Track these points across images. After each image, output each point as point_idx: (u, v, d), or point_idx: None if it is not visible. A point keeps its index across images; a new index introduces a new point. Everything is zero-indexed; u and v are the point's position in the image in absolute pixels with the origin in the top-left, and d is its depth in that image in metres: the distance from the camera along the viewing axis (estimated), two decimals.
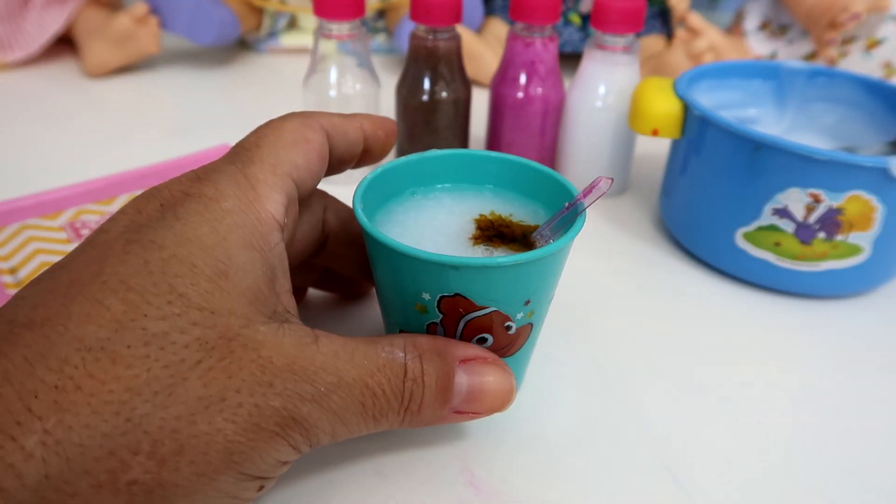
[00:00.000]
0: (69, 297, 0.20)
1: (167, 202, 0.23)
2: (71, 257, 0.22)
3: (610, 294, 0.38)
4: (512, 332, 0.26)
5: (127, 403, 0.19)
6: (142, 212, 0.23)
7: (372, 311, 0.36)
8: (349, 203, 0.28)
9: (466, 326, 0.25)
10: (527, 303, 0.25)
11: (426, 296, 0.25)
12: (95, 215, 0.42)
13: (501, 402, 0.25)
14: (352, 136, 0.28)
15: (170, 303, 0.20)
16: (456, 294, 0.24)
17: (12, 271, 0.37)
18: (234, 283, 0.21)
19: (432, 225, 0.28)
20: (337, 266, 0.33)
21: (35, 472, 0.18)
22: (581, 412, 0.30)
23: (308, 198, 0.29)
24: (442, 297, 0.24)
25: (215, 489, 0.20)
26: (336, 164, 0.28)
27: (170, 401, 0.19)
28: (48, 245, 0.39)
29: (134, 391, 0.19)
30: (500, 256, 0.23)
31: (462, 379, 0.24)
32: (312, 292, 0.36)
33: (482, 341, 0.26)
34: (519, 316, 0.26)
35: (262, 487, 0.22)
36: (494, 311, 0.25)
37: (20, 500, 0.17)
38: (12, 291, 0.35)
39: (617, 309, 0.37)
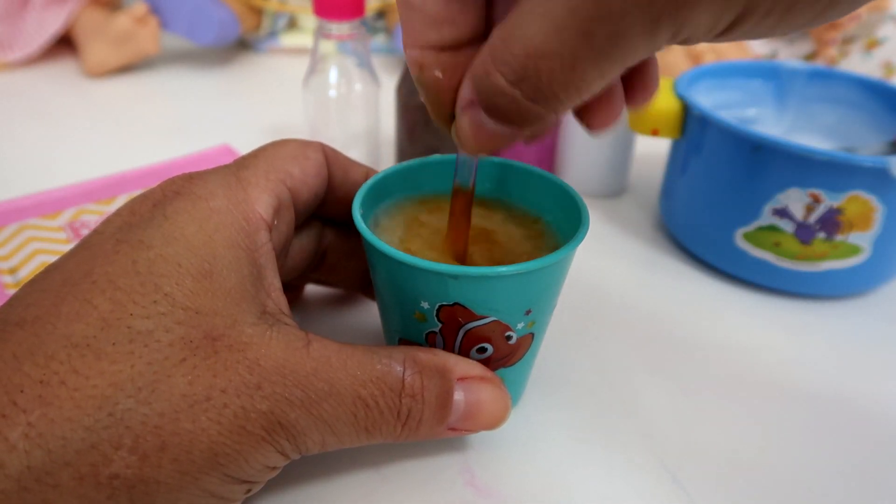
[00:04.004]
0: (60, 296, 0.20)
1: (159, 201, 0.23)
2: (65, 258, 0.22)
3: (610, 294, 0.38)
4: (512, 342, 0.26)
5: (110, 398, 0.19)
6: (135, 213, 0.23)
7: (372, 315, 0.36)
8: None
9: (466, 336, 0.25)
10: (527, 312, 0.25)
11: (425, 305, 0.24)
12: (95, 215, 0.42)
13: (496, 420, 0.25)
14: (353, 176, 0.29)
15: (155, 302, 0.20)
16: (455, 303, 0.24)
17: (12, 271, 0.37)
18: (219, 282, 0.22)
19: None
20: (335, 281, 0.33)
21: (17, 463, 0.18)
22: (581, 412, 0.30)
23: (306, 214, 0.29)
24: (441, 307, 0.24)
25: (199, 489, 0.20)
26: (332, 199, 0.29)
27: (153, 397, 0.19)
28: (48, 245, 0.39)
29: (117, 386, 0.19)
30: (500, 266, 0.23)
31: (459, 396, 0.24)
32: (313, 294, 0.36)
33: (482, 351, 0.26)
34: (520, 326, 0.25)
35: (249, 490, 0.22)
36: (494, 320, 0.25)
37: (2, 490, 0.18)
38: (12, 291, 0.35)
39: (617, 309, 0.37)
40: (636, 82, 0.21)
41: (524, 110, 0.19)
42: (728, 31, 0.17)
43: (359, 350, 0.23)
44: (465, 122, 0.20)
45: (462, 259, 0.27)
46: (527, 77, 0.18)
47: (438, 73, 0.21)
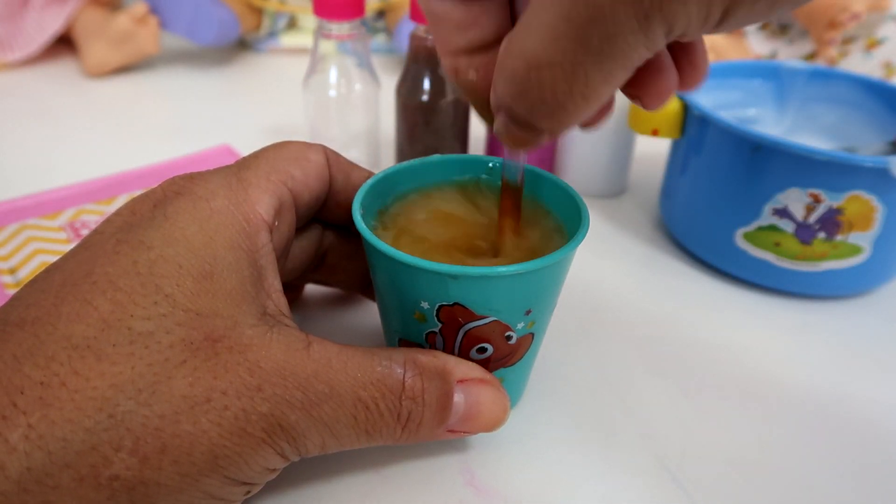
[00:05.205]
0: (60, 297, 0.20)
1: (160, 201, 0.23)
2: (65, 258, 0.22)
3: (610, 294, 0.38)
4: (512, 342, 0.26)
5: (110, 400, 0.19)
6: (136, 213, 0.23)
7: (372, 315, 0.36)
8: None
9: (466, 336, 0.25)
10: (527, 312, 0.25)
11: (425, 305, 0.24)
12: (95, 215, 0.42)
13: (495, 422, 0.25)
14: (354, 180, 0.29)
15: (156, 303, 0.20)
16: (455, 303, 0.24)
17: (12, 271, 0.37)
18: (220, 284, 0.22)
19: None
20: (335, 281, 0.33)
21: (18, 465, 0.18)
22: (581, 411, 0.30)
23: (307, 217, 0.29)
24: (441, 307, 0.24)
25: (199, 491, 0.20)
26: (333, 202, 0.29)
27: (153, 399, 0.19)
28: (48, 245, 0.39)
29: (118, 388, 0.19)
30: (499, 266, 0.23)
31: (459, 398, 0.24)
32: (313, 294, 0.36)
33: (482, 351, 0.26)
34: (520, 326, 0.25)
35: (248, 492, 0.22)
36: (494, 320, 0.25)
37: (2, 491, 0.18)
38: (12, 291, 0.35)
39: (617, 309, 0.37)
40: (685, 62, 0.21)
41: (532, 124, 0.19)
42: (723, 21, 0.17)
43: (359, 352, 0.23)
44: (498, 123, 0.21)
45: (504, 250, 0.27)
46: (529, 89, 0.18)
47: (473, 75, 0.21)
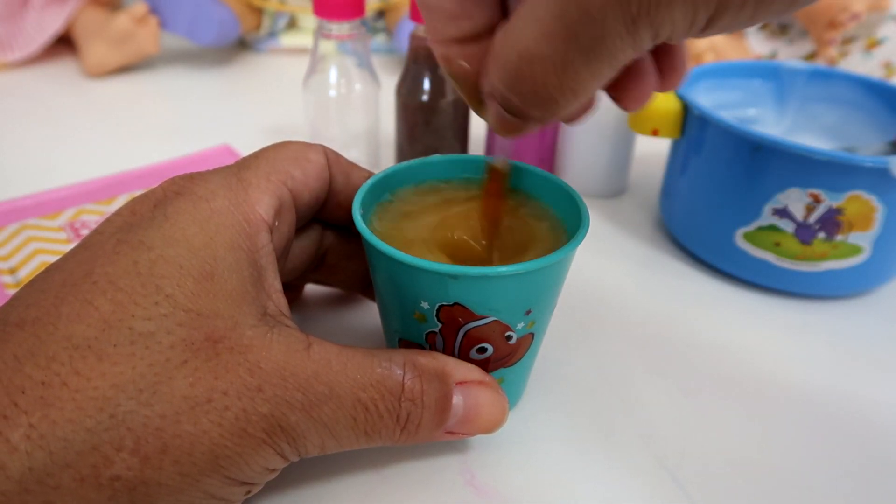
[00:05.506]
0: (60, 297, 0.20)
1: (160, 201, 0.23)
2: (65, 258, 0.22)
3: (610, 294, 0.38)
4: (512, 342, 0.26)
5: (111, 400, 0.19)
6: (136, 213, 0.23)
7: (372, 315, 0.36)
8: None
9: (466, 336, 0.25)
10: (527, 312, 0.25)
11: (425, 305, 0.24)
12: (95, 215, 0.42)
13: (493, 424, 0.25)
14: (354, 180, 0.29)
15: (157, 304, 0.20)
16: (455, 303, 0.24)
17: (12, 271, 0.37)
18: (220, 284, 0.22)
19: None
20: (335, 281, 0.33)
21: (19, 465, 0.18)
22: (581, 412, 0.30)
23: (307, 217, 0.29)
24: (441, 307, 0.24)
25: (200, 491, 0.20)
26: (333, 203, 0.29)
27: (154, 399, 0.19)
28: (48, 245, 0.39)
29: (119, 388, 0.19)
30: (500, 266, 0.23)
31: (458, 400, 0.24)
32: (313, 294, 0.36)
33: (482, 351, 0.26)
34: (520, 326, 0.25)
35: (248, 492, 0.22)
36: (494, 320, 0.25)
37: (3, 491, 0.18)
38: (12, 291, 0.35)
39: (617, 309, 0.37)
40: (665, 65, 0.22)
41: (524, 112, 0.20)
42: (708, 27, 0.18)
43: (359, 353, 0.23)
44: (490, 111, 0.22)
45: (490, 243, 0.27)
46: (522, 80, 0.19)
47: (464, 64, 0.22)
